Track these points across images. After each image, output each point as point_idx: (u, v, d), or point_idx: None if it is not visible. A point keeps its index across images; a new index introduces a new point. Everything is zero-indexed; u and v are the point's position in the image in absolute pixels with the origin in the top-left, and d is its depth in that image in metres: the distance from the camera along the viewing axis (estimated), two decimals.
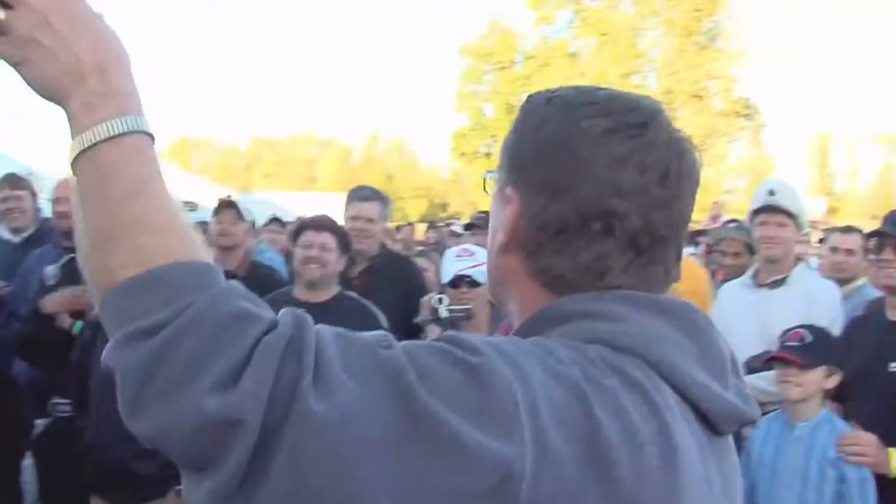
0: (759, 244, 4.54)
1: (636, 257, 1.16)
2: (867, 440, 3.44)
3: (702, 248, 8.06)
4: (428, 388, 0.94)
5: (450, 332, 1.06)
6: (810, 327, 3.68)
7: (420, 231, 16.51)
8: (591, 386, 1.01)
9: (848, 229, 5.82)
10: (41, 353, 4.67)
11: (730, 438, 1.24)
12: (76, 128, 1.04)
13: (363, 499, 0.90)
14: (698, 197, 1.22)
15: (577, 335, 1.12)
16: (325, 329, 1.01)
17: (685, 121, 39.24)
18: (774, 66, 39.85)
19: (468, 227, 7.13)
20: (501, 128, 43.59)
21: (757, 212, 4.47)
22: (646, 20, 41.91)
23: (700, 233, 9.05)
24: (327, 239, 4.40)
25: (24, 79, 1.06)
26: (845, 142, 68.82)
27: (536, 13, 44.22)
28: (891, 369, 3.61)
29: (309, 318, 1.00)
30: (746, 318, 4.39)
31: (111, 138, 1.03)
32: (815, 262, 7.01)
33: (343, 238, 4.55)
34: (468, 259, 4.42)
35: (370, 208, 5.36)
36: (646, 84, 42.24)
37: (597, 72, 40.84)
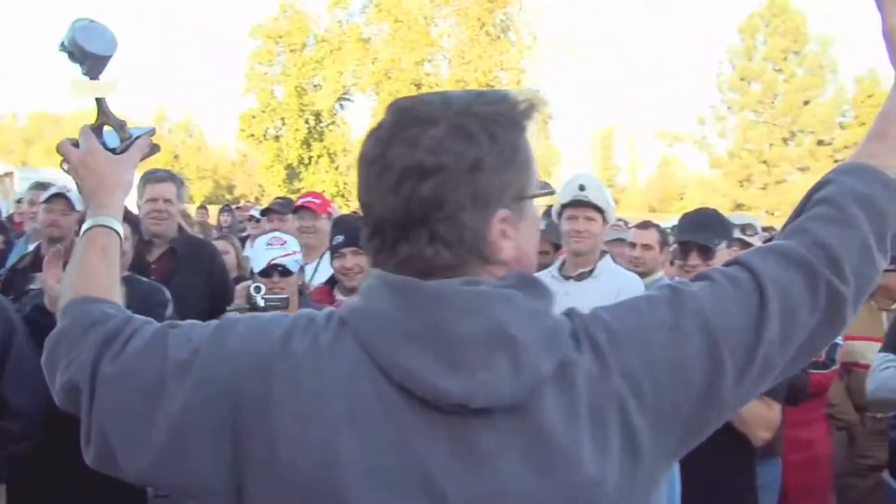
0: (566, 238, 4.64)
1: (382, 242, 1.32)
2: None
3: None
4: (184, 345, 1.37)
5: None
6: None
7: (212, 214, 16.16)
8: (279, 347, 1.32)
9: (645, 224, 6.01)
10: None
11: (524, 418, 1.25)
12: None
13: (151, 433, 1.33)
14: None
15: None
16: (148, 326, 1.46)
17: None
18: (563, 60, 40.96)
19: (265, 212, 6.98)
20: (291, 110, 43.28)
21: (565, 206, 4.57)
22: (439, 9, 42.41)
23: None
24: (125, 229, 4.23)
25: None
26: (628, 136, 71.95)
27: None
28: None
29: (134, 319, 1.48)
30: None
31: (85, 232, 1.72)
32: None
33: (136, 225, 4.46)
34: (280, 248, 4.31)
35: (166, 189, 5.15)
36: (438, 73, 42.81)
37: (389, 58, 41.09)
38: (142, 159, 1.92)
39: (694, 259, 3.86)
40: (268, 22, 45.74)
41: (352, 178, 43.09)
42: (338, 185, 42.30)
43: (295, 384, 1.28)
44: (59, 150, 1.86)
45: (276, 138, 45.75)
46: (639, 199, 64.63)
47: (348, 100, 44.47)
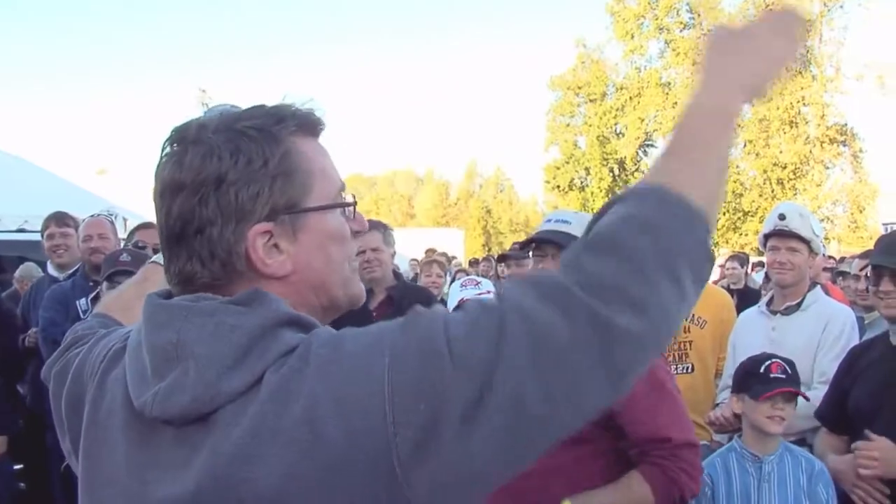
0: (770, 269, 4.45)
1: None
2: (882, 445, 3.36)
3: None
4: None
5: None
6: (783, 359, 3.65)
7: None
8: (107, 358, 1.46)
9: (866, 255, 5.65)
10: None
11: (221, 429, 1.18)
12: None
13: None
14: None
15: None
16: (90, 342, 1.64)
17: (780, 147, 38.40)
18: (870, 90, 38.46)
19: (501, 258, 7.10)
20: (594, 160, 43.58)
21: (767, 237, 4.39)
22: None
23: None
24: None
25: None
26: None
27: (627, 44, 44.12)
28: None
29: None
30: (762, 345, 4.30)
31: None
32: None
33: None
34: (474, 288, 4.44)
35: (371, 238, 5.30)
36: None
37: None
38: None
39: (886, 285, 3.57)
40: (567, 73, 46.54)
41: None
42: None
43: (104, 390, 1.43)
44: None
45: (582, 188, 46.18)
46: None
47: (651, 145, 44.16)
